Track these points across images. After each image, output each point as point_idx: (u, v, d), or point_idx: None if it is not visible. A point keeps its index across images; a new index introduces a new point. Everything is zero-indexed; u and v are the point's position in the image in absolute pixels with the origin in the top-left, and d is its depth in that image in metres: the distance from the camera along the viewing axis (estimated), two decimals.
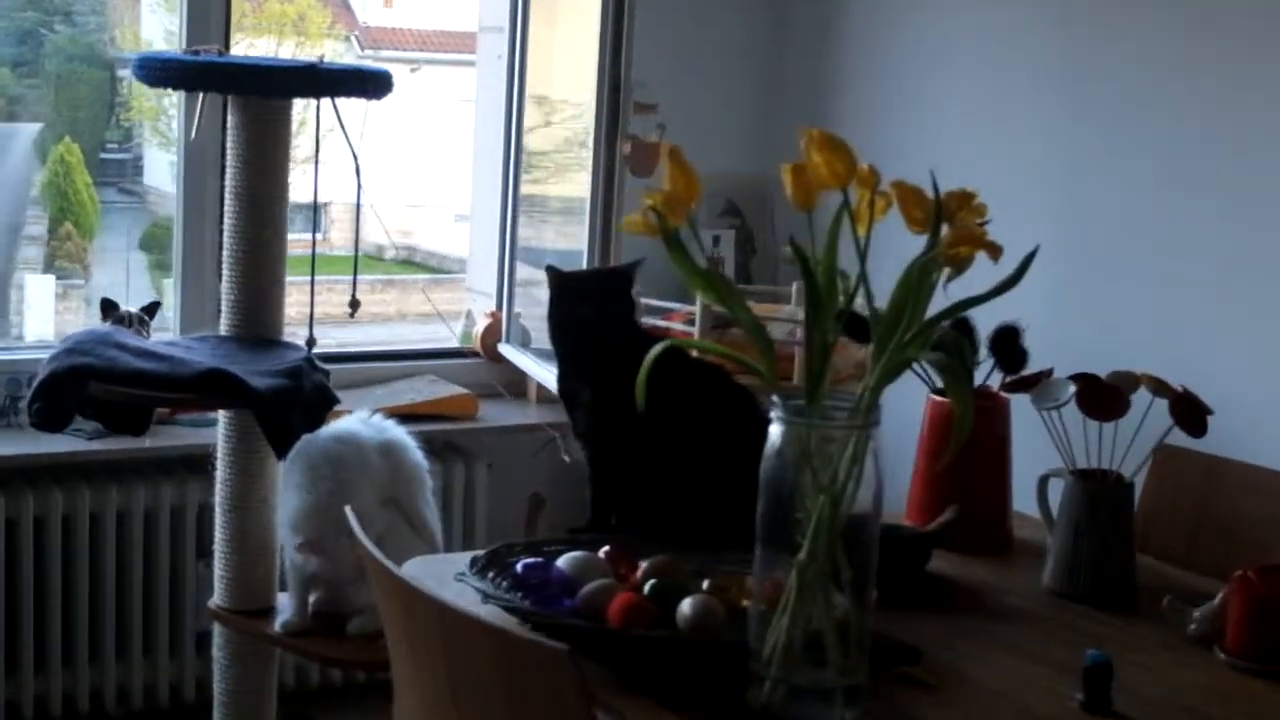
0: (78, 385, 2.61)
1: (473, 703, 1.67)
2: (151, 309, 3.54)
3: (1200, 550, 2.40)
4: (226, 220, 2.89)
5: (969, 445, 2.41)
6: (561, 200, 4.04)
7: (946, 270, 1.68)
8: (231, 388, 2.57)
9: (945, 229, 1.74)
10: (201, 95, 3.38)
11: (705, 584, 2.00)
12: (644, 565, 2.04)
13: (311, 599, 2.93)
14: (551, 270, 2.39)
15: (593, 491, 2.33)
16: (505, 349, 4.04)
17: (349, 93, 2.79)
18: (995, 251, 1.63)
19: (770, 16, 4.38)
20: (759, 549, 1.76)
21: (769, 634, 1.74)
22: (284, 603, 2.97)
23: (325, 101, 2.83)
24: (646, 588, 1.97)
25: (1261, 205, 3.10)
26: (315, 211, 2.88)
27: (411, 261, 6.86)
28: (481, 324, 4.10)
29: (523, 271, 4.08)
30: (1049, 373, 2.32)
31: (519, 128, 3.98)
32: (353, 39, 6.81)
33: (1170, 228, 3.27)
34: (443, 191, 6.28)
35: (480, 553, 2.07)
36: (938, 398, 2.43)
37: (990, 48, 3.86)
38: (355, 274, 2.87)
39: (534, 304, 4.07)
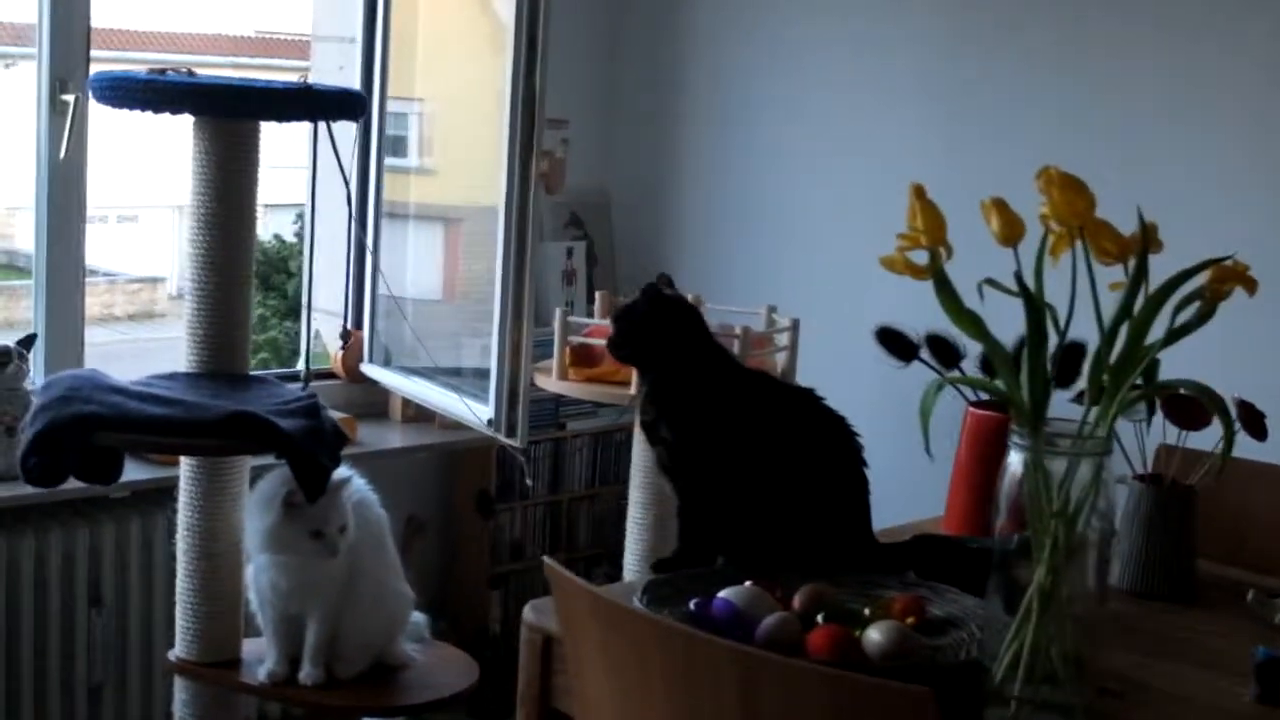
0: (83, 435, 2.45)
1: None
2: (28, 342, 3.32)
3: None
4: (190, 249, 2.76)
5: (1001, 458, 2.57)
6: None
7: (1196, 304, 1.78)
8: (260, 430, 2.45)
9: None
10: (72, 111, 3.23)
11: (866, 610, 2.06)
12: (799, 595, 2.08)
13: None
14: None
15: (681, 523, 2.34)
16: (370, 369, 3.96)
17: (338, 115, 2.71)
18: (1252, 286, 1.75)
19: (607, 34, 4.42)
20: (994, 571, 1.83)
21: (1002, 653, 1.81)
22: (262, 652, 2.85)
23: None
24: (820, 617, 2.02)
25: None
26: (311, 230, 2.75)
27: (14, 266, 6.57)
28: (338, 344, 4.00)
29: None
30: None
31: (380, 147, 3.90)
32: None
33: None
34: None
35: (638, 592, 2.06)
36: (977, 410, 2.56)
37: (831, 56, 4.03)
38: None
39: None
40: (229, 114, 2.65)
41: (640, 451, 3.53)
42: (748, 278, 4.17)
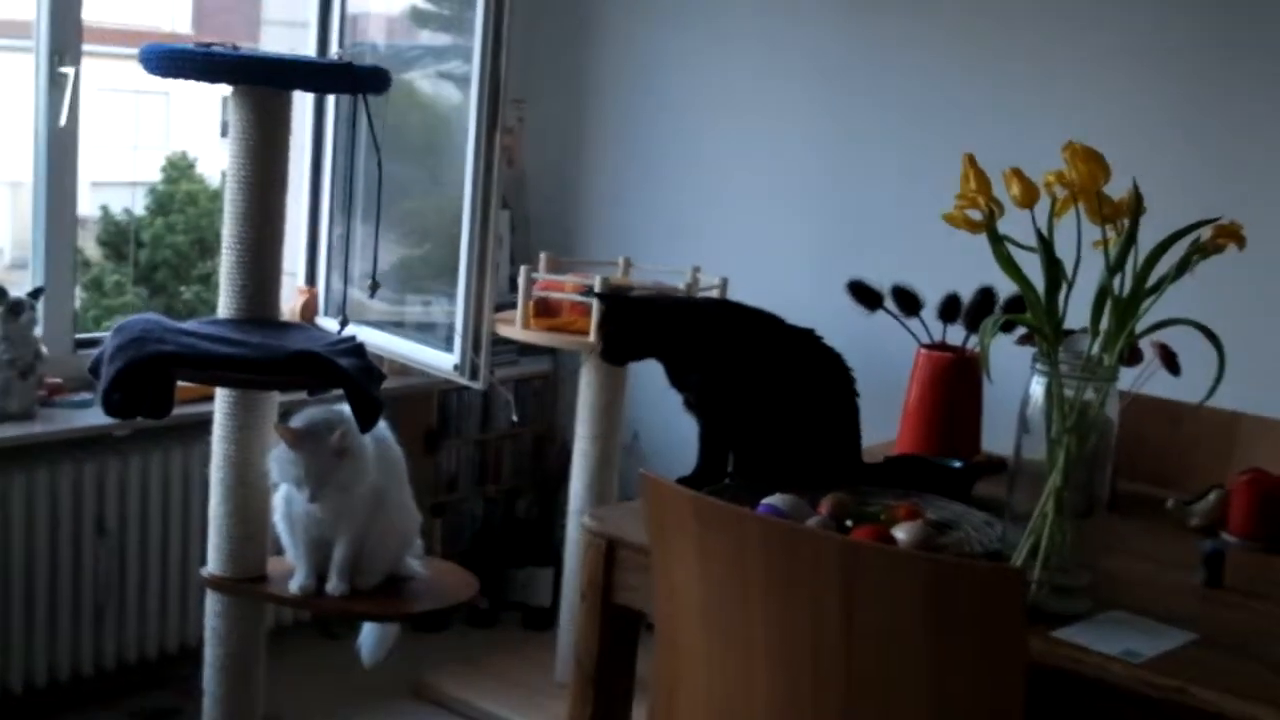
0: (162, 372, 2.54)
1: (877, 641, 1.76)
2: (36, 293, 3.38)
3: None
4: (229, 208, 2.86)
5: (952, 391, 2.83)
6: None
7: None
8: (323, 368, 2.58)
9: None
10: (72, 79, 3.29)
11: (881, 515, 2.30)
12: (824, 503, 2.30)
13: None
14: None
15: (702, 450, 2.53)
16: (325, 321, 4.05)
17: (373, 88, 2.83)
18: (1243, 242, 2.01)
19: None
20: (1012, 477, 2.08)
21: (1021, 544, 2.06)
22: (282, 569, 2.98)
23: None
24: (849, 522, 2.25)
25: None
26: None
27: None
28: (297, 300, 4.09)
29: None
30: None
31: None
32: None
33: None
34: None
35: None
36: (926, 350, 2.81)
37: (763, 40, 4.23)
38: (375, 257, 2.90)
39: None
40: (281, 84, 2.75)
41: (589, 392, 3.73)
42: (660, 242, 4.36)
